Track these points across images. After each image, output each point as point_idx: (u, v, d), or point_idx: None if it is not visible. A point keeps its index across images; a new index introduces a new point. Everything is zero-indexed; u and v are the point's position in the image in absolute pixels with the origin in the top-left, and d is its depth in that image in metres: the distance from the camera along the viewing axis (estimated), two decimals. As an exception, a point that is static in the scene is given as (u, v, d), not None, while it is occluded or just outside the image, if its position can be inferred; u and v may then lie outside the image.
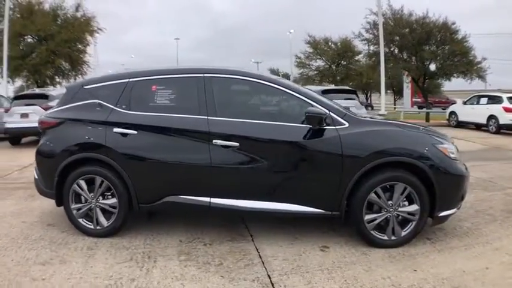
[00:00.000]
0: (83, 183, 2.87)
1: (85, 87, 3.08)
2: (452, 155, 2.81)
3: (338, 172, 2.66)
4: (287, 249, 2.72)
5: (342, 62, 23.31)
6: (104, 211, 2.89)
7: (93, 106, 2.95)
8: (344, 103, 9.98)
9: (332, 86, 13.61)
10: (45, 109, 6.83)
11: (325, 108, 2.76)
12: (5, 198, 3.92)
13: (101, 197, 2.88)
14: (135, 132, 2.82)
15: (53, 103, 7.27)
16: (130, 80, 3.01)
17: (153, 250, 2.68)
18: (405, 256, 2.58)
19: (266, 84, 2.87)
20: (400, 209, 2.71)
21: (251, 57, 69.73)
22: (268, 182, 2.76)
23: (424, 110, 17.96)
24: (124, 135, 2.82)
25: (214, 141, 2.71)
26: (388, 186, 2.68)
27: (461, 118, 13.01)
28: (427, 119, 16.12)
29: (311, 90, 11.80)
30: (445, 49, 15.59)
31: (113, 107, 2.92)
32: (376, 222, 2.71)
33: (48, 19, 18.29)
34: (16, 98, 9.53)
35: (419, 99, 24.53)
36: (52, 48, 18.35)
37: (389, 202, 2.69)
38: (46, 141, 2.99)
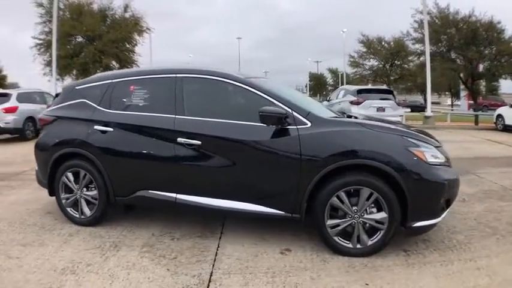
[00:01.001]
0: (70, 175, 3.25)
1: (76, 87, 3.47)
2: (431, 160, 2.60)
3: (296, 173, 2.63)
4: (248, 249, 2.78)
5: (396, 61, 22.83)
6: (88, 202, 3.24)
7: (80, 105, 3.31)
8: (378, 103, 9.80)
9: (368, 86, 13.38)
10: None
11: (288, 107, 2.75)
12: (22, 188, 4.52)
13: (85, 189, 3.23)
14: (112, 129, 3.11)
15: None
16: (113, 80, 3.32)
17: (123, 241, 2.94)
18: (367, 267, 2.46)
19: (233, 84, 2.93)
20: (366, 216, 2.59)
21: (313, 57, 69.54)
22: (228, 180, 2.83)
23: (475, 112, 16.85)
24: (103, 132, 3.12)
25: (178, 139, 2.88)
26: (352, 190, 2.59)
27: (507, 122, 12.02)
28: (476, 122, 15.34)
29: (348, 89, 11.49)
30: (492, 49, 15.02)
31: (96, 106, 3.25)
32: (340, 228, 2.62)
33: (96, 20, 20.20)
34: (58, 95, 10.73)
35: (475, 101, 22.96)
36: (100, 48, 20.26)
37: (354, 208, 2.60)
38: (42, 137, 3.44)
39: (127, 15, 22.77)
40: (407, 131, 2.76)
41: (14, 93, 9.74)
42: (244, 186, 2.80)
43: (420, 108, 21.74)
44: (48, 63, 18.02)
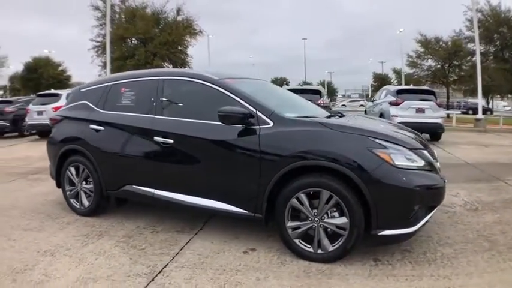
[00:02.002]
0: (73, 169, 3.72)
1: (81, 90, 3.96)
2: (400, 163, 2.44)
3: (257, 173, 2.68)
4: (215, 246, 2.90)
5: (454, 62, 21.49)
6: (86, 194, 3.69)
7: (82, 106, 3.77)
8: (418, 104, 9.24)
9: (409, 86, 12.78)
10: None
11: (253, 107, 2.82)
12: (48, 181, 5.09)
13: (84, 182, 3.67)
14: (103, 128, 3.50)
15: None
16: (109, 83, 3.71)
17: (109, 231, 3.27)
18: (322, 274, 2.41)
19: (205, 85, 3.08)
20: (326, 220, 2.53)
21: (379, 57, 68.04)
22: (197, 178, 2.99)
23: None
24: (97, 131, 3.52)
25: (155, 138, 3.14)
26: (311, 192, 2.55)
27: None
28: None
29: (388, 90, 11.16)
30: None
31: (93, 106, 3.67)
32: (300, 230, 2.61)
33: (149, 23, 21.85)
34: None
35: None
36: (151, 50, 21.88)
37: (314, 211, 2.57)
38: (52, 134, 3.98)
39: (179, 18, 24.35)
40: (377, 131, 2.61)
41: (63, 93, 11.02)
42: (211, 184, 2.94)
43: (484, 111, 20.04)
44: (105, 65, 19.98)
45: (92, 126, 3.54)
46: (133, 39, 23.49)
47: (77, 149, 3.63)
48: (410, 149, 2.56)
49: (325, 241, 2.56)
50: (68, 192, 3.78)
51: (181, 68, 24.70)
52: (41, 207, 3.97)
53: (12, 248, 2.87)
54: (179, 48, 24.06)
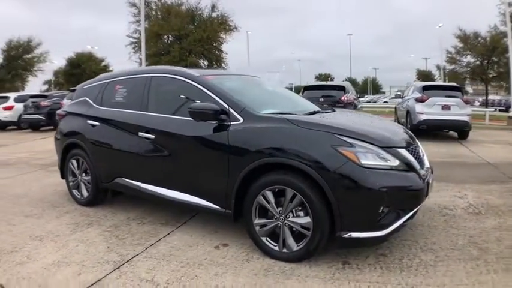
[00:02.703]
0: (74, 162, 4.04)
1: (83, 87, 4.28)
2: (366, 162, 2.36)
3: (226, 169, 2.74)
4: (191, 239, 3.01)
5: (493, 58, 20.37)
6: (86, 185, 4.00)
7: (83, 102, 4.08)
8: (444, 101, 8.97)
9: (435, 82, 12.25)
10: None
11: (227, 103, 2.89)
12: None
13: (83, 174, 3.99)
14: (98, 124, 3.77)
15: None
16: (106, 81, 3.98)
17: (100, 220, 3.53)
18: (282, 274, 2.41)
19: (185, 81, 3.18)
20: (291, 219, 2.53)
21: (424, 54, 66.79)
22: (176, 173, 3.12)
23: None
24: (93, 126, 3.80)
25: (139, 133, 3.33)
26: (277, 190, 2.56)
27: None
28: None
29: (416, 86, 10.98)
30: None
31: (92, 103, 3.96)
32: (267, 228, 2.63)
33: (183, 20, 22.53)
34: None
35: None
36: (186, 46, 22.60)
37: (280, 209, 2.58)
38: (58, 129, 4.35)
39: (214, 14, 24.88)
40: (345, 128, 2.53)
41: None
42: (187, 180, 3.05)
43: None
44: (142, 62, 21.05)
45: (89, 121, 3.82)
46: (169, 36, 24.42)
47: (77, 143, 3.94)
48: (383, 148, 2.47)
49: (290, 240, 2.56)
50: (70, 183, 4.12)
51: (217, 65, 25.31)
52: (48, 196, 4.35)
53: (9, 232, 3.21)
54: (214, 44, 24.63)
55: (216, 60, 25.27)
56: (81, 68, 34.20)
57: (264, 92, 3.69)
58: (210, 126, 2.86)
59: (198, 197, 3.00)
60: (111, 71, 36.13)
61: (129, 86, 3.67)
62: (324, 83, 10.65)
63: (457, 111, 8.79)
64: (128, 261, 2.64)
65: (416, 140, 3.14)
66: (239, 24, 24.77)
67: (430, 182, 2.79)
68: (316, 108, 3.57)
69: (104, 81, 3.99)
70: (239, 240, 2.96)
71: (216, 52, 25.28)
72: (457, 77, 22.78)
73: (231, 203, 2.77)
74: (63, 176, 4.21)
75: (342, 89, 9.59)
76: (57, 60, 38.05)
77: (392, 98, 37.98)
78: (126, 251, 2.83)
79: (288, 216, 2.56)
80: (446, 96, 9.05)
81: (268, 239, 2.67)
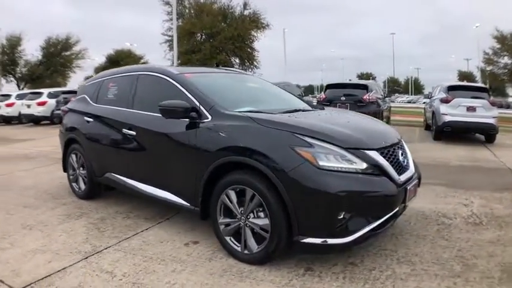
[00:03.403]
0: (74, 156, 4.35)
1: (85, 84, 4.58)
2: (324, 163, 2.32)
3: (194, 167, 2.82)
4: (165, 235, 3.12)
5: None
6: (83, 179, 4.29)
7: (82, 99, 4.38)
8: (469, 102, 8.67)
9: (461, 83, 11.51)
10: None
11: (198, 101, 2.97)
12: None
13: (81, 168, 4.29)
14: (92, 120, 4.02)
15: None
16: (103, 78, 4.24)
17: (90, 213, 3.75)
18: (236, 275, 2.44)
19: (165, 79, 3.30)
20: (251, 220, 2.55)
21: (467, 55, 64.50)
22: (153, 169, 3.26)
23: None
24: (88, 122, 4.08)
25: (123, 130, 3.52)
26: (238, 189, 2.59)
27: None
28: None
29: (442, 86, 10.68)
30: None
31: (89, 100, 4.24)
32: (230, 228, 2.68)
33: (214, 18, 23.05)
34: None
35: None
36: (216, 44, 23.12)
37: (241, 209, 2.61)
38: (61, 125, 4.70)
39: (246, 12, 25.19)
40: (307, 127, 2.49)
41: None
42: (163, 176, 3.18)
43: None
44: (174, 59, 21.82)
45: (85, 118, 4.09)
46: (202, 34, 25.11)
47: (75, 138, 4.24)
48: (347, 149, 2.40)
49: (251, 241, 2.58)
50: (70, 177, 4.44)
51: (249, 63, 25.65)
52: (52, 188, 4.72)
53: (5, 221, 3.54)
54: (246, 42, 24.92)
55: (247, 58, 25.54)
56: (120, 65, 35.87)
57: (247, 89, 3.72)
58: (183, 124, 2.96)
59: (171, 194, 3.12)
60: None
61: (119, 84, 3.89)
62: (346, 81, 10.42)
63: (483, 113, 8.36)
64: (98, 253, 2.82)
65: (402, 142, 3.02)
66: (277, 22, 25.17)
67: (410, 188, 2.67)
68: (302, 106, 3.55)
69: (101, 79, 4.25)
70: (210, 239, 3.03)
71: (248, 50, 25.54)
72: (496, 79, 21.60)
73: (198, 200, 2.86)
74: (64, 169, 4.55)
75: (364, 87, 9.37)
76: (98, 57, 40.31)
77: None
78: (100, 243, 3.02)
79: (248, 217, 2.59)
80: (472, 98, 8.65)
81: (232, 238, 2.71)
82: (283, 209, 2.38)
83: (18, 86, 29.85)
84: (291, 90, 12.39)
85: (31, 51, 32.62)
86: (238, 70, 4.48)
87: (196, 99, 2.97)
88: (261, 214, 2.54)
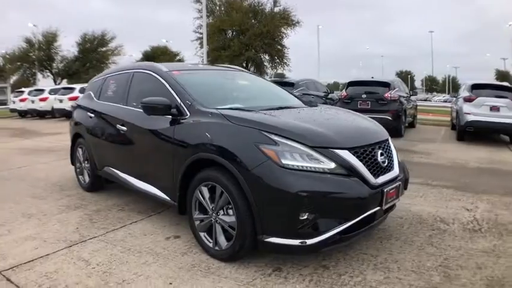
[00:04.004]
0: (80, 150, 4.64)
1: (92, 81, 4.86)
2: (288, 162, 2.31)
3: (171, 163, 2.94)
4: (151, 228, 3.26)
5: None
6: (87, 172, 4.56)
7: (87, 96, 4.65)
8: (492, 101, 8.29)
9: (485, 81, 10.70)
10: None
11: (180, 98, 3.06)
12: None
13: (86, 161, 4.57)
14: (93, 116, 4.27)
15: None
16: (106, 76, 4.47)
17: (88, 204, 3.97)
18: (203, 271, 2.50)
19: (154, 76, 3.44)
20: (221, 217, 2.61)
21: (503, 54, 61.44)
22: (140, 163, 3.43)
23: None
24: (90, 118, 4.33)
25: (117, 125, 3.71)
26: (210, 186, 2.66)
27: None
28: None
29: (466, 84, 10.42)
30: None
31: (93, 96, 4.49)
32: (203, 224, 2.75)
33: (244, 14, 23.20)
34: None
35: None
36: (245, 41, 23.29)
37: (213, 205, 2.68)
38: (70, 120, 5.01)
39: (276, 9, 25.18)
40: (273, 125, 2.50)
41: None
42: (149, 170, 3.34)
43: None
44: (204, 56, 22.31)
45: (88, 113, 4.35)
46: (233, 31, 25.42)
47: (80, 133, 4.52)
48: (313, 148, 2.38)
49: (221, 238, 2.64)
50: (77, 170, 4.74)
51: (279, 60, 25.61)
52: (62, 181, 5.05)
53: (9, 209, 3.86)
54: (275, 39, 24.87)
55: (277, 56, 25.53)
56: (156, 61, 36.96)
57: (235, 86, 3.76)
58: (167, 121, 3.08)
59: (157, 189, 3.25)
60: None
61: (117, 81, 4.09)
62: (368, 79, 10.13)
63: (507, 113, 7.91)
64: (82, 242, 3.02)
65: (387, 142, 2.89)
66: (314, 19, 24.79)
67: (390, 190, 2.58)
68: (292, 103, 3.54)
69: (104, 76, 4.49)
70: (192, 234, 3.10)
71: (278, 47, 25.52)
72: None
73: (176, 195, 2.96)
74: (72, 162, 4.86)
75: (386, 85, 9.10)
76: (135, 54, 41.71)
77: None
78: (88, 233, 3.22)
79: (219, 214, 2.64)
80: (496, 97, 8.25)
81: (206, 234, 2.78)
82: (248, 207, 2.41)
83: (55, 81, 31.44)
84: (316, 87, 12.30)
85: (68, 47, 34.28)
86: (237, 68, 4.53)
87: (178, 96, 3.07)
88: (230, 211, 2.58)
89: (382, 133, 2.93)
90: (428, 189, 4.48)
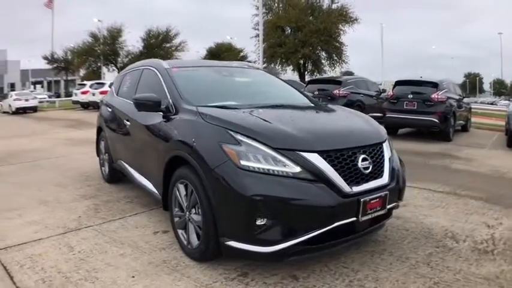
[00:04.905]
0: (102, 143, 5.01)
1: (116, 77, 5.20)
2: (246, 163, 2.25)
3: (158, 159, 3.02)
4: (145, 222, 3.41)
5: None
6: (108, 164, 4.90)
7: (110, 92, 4.99)
8: None
9: None
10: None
11: (170, 95, 3.13)
12: None
13: (106, 154, 4.91)
14: (111, 110, 4.57)
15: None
16: (125, 72, 4.76)
17: (102, 195, 4.24)
18: (167, 268, 2.55)
19: (156, 73, 3.58)
20: (192, 216, 2.63)
21: None
22: (139, 158, 3.60)
23: None
24: (108, 112, 4.65)
25: (124, 120, 3.93)
26: (184, 184, 2.69)
27: None
28: None
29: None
30: None
31: (113, 91, 4.81)
32: (180, 221, 2.80)
33: (301, 11, 23.06)
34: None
35: None
36: (300, 38, 23.10)
37: (187, 204, 2.70)
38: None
39: (334, 6, 24.70)
40: (240, 124, 2.44)
41: None
42: (145, 165, 3.49)
43: None
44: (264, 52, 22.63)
45: (108, 109, 4.68)
46: (291, 28, 25.40)
47: (101, 127, 4.88)
48: (276, 149, 2.28)
49: (193, 237, 2.65)
50: (100, 161, 5.12)
51: (337, 57, 25.05)
52: (90, 171, 5.46)
53: (30, 195, 4.29)
54: (332, 36, 24.32)
55: (336, 53, 25.02)
56: (220, 58, 37.82)
57: (231, 84, 3.70)
58: (159, 117, 3.19)
59: (152, 184, 3.39)
60: (249, 61, 39.72)
61: (131, 78, 4.33)
62: (416, 78, 9.48)
63: None
64: (77, 230, 3.26)
65: (377, 147, 2.63)
66: (375, 17, 23.84)
67: (370, 200, 2.38)
68: (293, 102, 3.47)
69: (124, 72, 4.78)
70: (177, 231, 3.21)
71: (336, 44, 24.99)
72: None
73: (160, 192, 3.06)
74: (97, 154, 5.26)
75: (434, 85, 8.45)
76: (201, 50, 42.92)
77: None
78: (87, 222, 3.47)
79: (191, 212, 2.68)
80: None
81: (183, 232, 2.82)
82: (211, 207, 2.40)
83: (121, 75, 33.47)
84: (367, 86, 11.75)
85: (133, 42, 36.06)
86: (246, 64, 4.53)
87: (169, 93, 3.16)
88: (200, 210, 2.60)
89: (372, 136, 2.69)
90: (453, 200, 4.05)
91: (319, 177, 2.26)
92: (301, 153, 2.28)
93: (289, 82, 4.15)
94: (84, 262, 2.66)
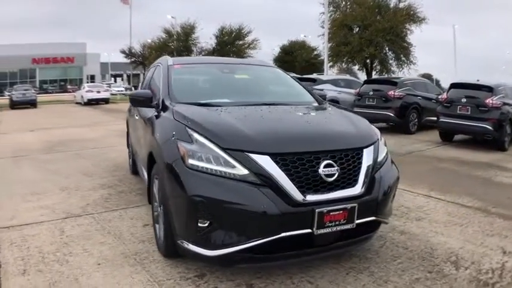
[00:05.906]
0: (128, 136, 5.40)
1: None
2: (193, 162, 2.23)
3: (146, 153, 3.16)
4: (141, 214, 3.58)
5: None
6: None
7: (140, 86, 5.33)
8: None
9: None
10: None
11: (162, 92, 3.23)
12: None
13: (130, 146, 5.25)
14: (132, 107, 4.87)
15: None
16: (151, 68, 5.03)
17: (120, 186, 4.55)
18: (134, 262, 2.64)
19: (161, 70, 3.70)
20: (160, 211, 2.67)
21: None
22: (139, 150, 3.80)
23: None
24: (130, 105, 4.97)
25: (135, 116, 4.17)
26: (158, 179, 2.77)
27: None
28: None
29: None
30: None
31: (139, 86, 5.14)
32: (156, 215, 2.87)
33: (368, 10, 22.11)
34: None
35: None
36: (366, 37, 22.14)
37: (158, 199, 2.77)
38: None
39: (401, 5, 23.39)
40: (198, 121, 2.43)
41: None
42: (141, 158, 3.68)
43: None
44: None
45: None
46: (359, 27, 24.59)
47: (127, 121, 5.26)
48: (225, 149, 2.22)
49: (161, 233, 2.69)
50: (129, 154, 5.50)
51: (405, 57, 23.67)
52: (123, 163, 5.80)
53: (55, 181, 4.75)
54: (400, 36, 23.07)
55: (404, 54, 23.73)
56: (293, 56, 37.58)
57: (228, 81, 3.65)
58: (152, 112, 3.34)
59: (146, 176, 3.56)
60: (322, 60, 39.17)
61: (149, 74, 4.58)
62: (472, 81, 8.54)
63: None
64: (77, 216, 3.54)
65: (350, 152, 2.39)
66: (450, 18, 22.05)
67: (330, 212, 2.19)
68: (294, 101, 3.38)
69: (150, 69, 5.07)
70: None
71: (404, 44, 23.68)
72: None
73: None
74: (127, 146, 5.67)
75: (490, 90, 7.56)
76: (276, 48, 43.09)
77: None
78: (91, 209, 3.75)
79: (160, 208, 2.73)
80: None
81: (158, 226, 2.92)
82: (167, 205, 2.45)
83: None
84: (426, 88, 10.87)
85: (207, 38, 36.82)
86: (258, 61, 4.50)
87: (162, 90, 3.28)
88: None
89: (347, 141, 2.44)
90: (478, 217, 3.55)
91: (267, 182, 2.15)
92: (251, 154, 2.19)
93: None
94: (66, 246, 2.89)
